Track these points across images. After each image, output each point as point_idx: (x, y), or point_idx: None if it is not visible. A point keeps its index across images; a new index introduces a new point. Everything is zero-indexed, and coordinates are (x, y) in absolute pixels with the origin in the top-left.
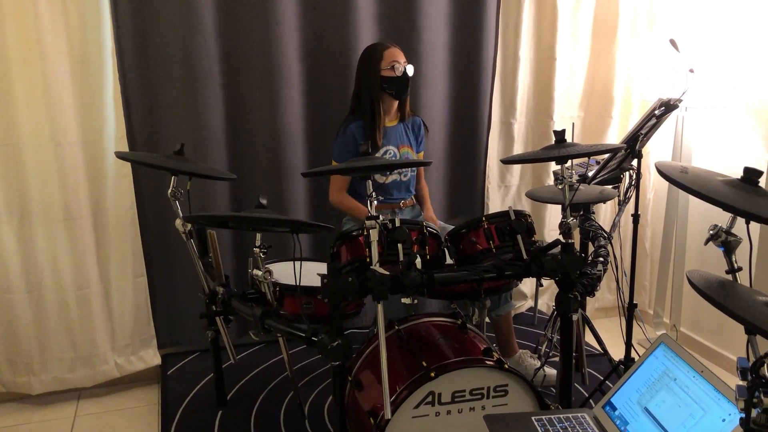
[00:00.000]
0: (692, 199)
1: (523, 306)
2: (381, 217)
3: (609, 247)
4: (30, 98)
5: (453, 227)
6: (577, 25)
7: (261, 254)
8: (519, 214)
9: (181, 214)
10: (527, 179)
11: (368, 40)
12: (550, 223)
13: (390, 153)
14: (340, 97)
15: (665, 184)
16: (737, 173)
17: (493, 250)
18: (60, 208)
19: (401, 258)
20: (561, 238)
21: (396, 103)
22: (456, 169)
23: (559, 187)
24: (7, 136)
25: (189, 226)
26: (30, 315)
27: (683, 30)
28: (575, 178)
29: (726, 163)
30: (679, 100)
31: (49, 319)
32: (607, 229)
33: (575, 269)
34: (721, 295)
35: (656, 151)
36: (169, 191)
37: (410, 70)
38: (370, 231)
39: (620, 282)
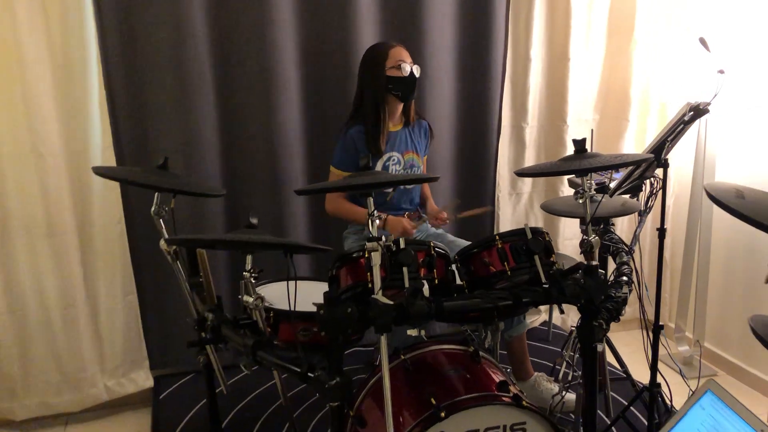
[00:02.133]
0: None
1: (537, 321)
2: (383, 238)
3: (632, 263)
4: (8, 106)
5: (466, 244)
6: (592, 22)
7: (252, 279)
8: (536, 232)
9: (165, 234)
10: (540, 187)
11: (370, 41)
12: (565, 232)
13: (393, 159)
14: (342, 103)
15: (686, 189)
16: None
17: (508, 272)
18: (43, 222)
19: (406, 284)
20: (582, 257)
21: (401, 106)
22: (464, 177)
23: (580, 201)
24: None
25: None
26: (12, 336)
27: (705, 26)
28: (593, 188)
29: (754, 170)
30: (708, 104)
31: (33, 341)
32: (626, 241)
33: (600, 294)
34: None
35: (675, 156)
36: (152, 209)
37: (417, 70)
38: (372, 254)
39: (641, 297)
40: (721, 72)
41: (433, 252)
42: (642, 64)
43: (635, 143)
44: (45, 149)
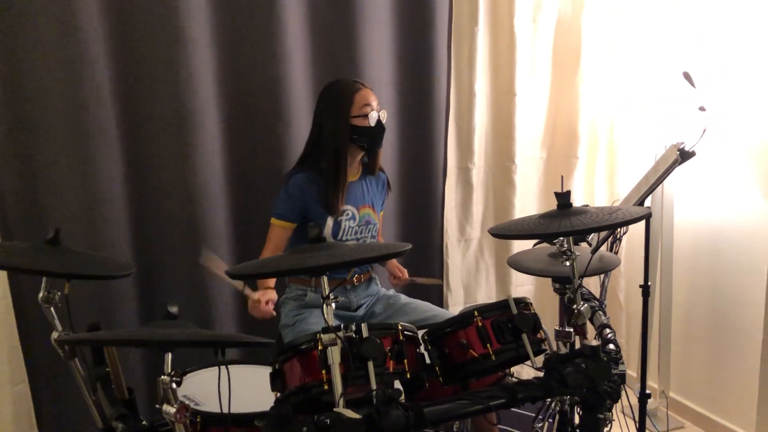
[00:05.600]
0: (677, 246)
1: None
2: (342, 328)
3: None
4: None
5: (426, 307)
6: (536, 54)
7: (173, 384)
8: (519, 303)
9: (58, 326)
10: None
11: (301, 79)
12: (518, 278)
13: (348, 214)
14: (270, 146)
15: (641, 229)
16: (729, 221)
17: (492, 356)
18: None
19: (373, 384)
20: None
21: (361, 155)
22: (410, 223)
23: (566, 264)
24: None
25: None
26: None
27: (656, 59)
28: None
29: (713, 209)
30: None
31: None
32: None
33: (604, 379)
34: None
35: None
36: (41, 295)
37: (384, 116)
38: (330, 350)
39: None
40: (702, 109)
41: (401, 337)
42: (589, 98)
43: (585, 182)
44: None
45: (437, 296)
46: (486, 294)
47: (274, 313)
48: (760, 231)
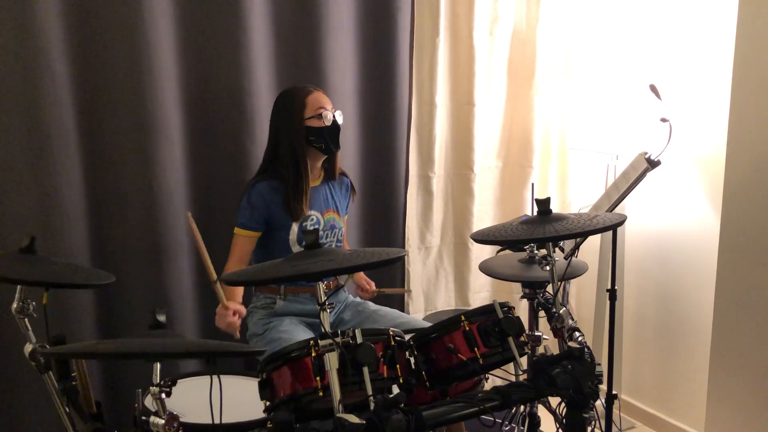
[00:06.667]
0: (629, 248)
1: None
2: (339, 334)
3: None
4: None
5: (396, 314)
6: (492, 66)
7: (163, 395)
8: (504, 308)
9: (33, 338)
10: (449, 239)
11: (264, 87)
12: (475, 284)
13: (312, 219)
14: (234, 153)
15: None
16: (676, 227)
17: (480, 359)
18: None
19: (369, 390)
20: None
21: (322, 159)
22: (371, 231)
23: (546, 269)
24: None
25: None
26: None
27: (603, 74)
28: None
29: (663, 216)
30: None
31: None
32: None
33: (588, 380)
34: None
35: (579, 201)
36: (14, 306)
37: (339, 116)
38: (327, 356)
39: None
40: (664, 120)
41: (393, 342)
42: (543, 109)
43: (539, 190)
44: None
45: (399, 303)
46: (445, 301)
47: (238, 335)
48: (706, 236)
